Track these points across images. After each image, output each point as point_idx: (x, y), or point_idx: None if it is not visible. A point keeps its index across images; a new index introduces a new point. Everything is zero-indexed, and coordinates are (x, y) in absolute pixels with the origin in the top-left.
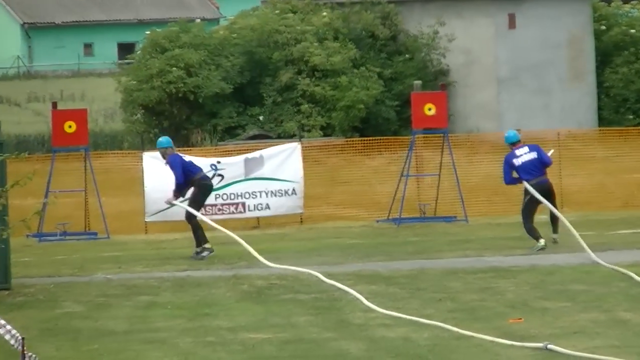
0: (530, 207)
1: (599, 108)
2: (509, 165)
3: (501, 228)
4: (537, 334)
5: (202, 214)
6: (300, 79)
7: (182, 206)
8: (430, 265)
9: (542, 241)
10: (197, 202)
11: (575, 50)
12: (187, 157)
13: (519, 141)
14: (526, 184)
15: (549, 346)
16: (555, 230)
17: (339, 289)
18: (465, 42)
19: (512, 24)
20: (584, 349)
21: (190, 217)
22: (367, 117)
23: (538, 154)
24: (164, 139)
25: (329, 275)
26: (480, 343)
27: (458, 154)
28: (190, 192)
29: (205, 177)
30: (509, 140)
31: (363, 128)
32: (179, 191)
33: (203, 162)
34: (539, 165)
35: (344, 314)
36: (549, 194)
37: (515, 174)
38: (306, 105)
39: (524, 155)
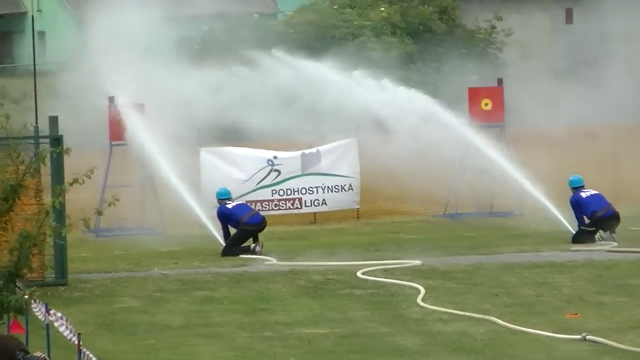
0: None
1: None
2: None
3: (557, 223)
4: (593, 328)
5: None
6: None
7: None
8: (488, 260)
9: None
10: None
11: (632, 43)
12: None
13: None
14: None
15: (588, 337)
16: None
17: (396, 284)
18: (522, 36)
19: (569, 19)
20: None
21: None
22: None
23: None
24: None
25: (385, 271)
26: (537, 338)
27: (514, 148)
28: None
29: (248, 221)
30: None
31: None
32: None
33: (260, 157)
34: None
35: (401, 309)
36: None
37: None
38: None
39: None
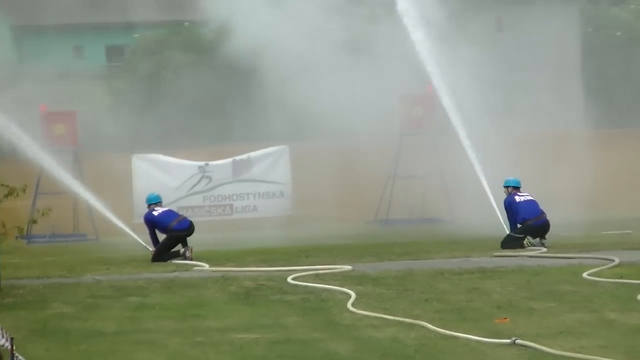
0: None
1: (587, 109)
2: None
3: (489, 228)
4: (523, 333)
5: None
6: None
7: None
8: (418, 266)
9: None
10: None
11: (562, 51)
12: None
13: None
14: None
15: (517, 341)
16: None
17: (326, 289)
18: None
19: (499, 26)
20: (571, 348)
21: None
22: None
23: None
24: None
25: (316, 277)
26: (466, 343)
27: (444, 154)
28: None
29: (176, 227)
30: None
31: None
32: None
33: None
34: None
35: (332, 314)
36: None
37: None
38: None
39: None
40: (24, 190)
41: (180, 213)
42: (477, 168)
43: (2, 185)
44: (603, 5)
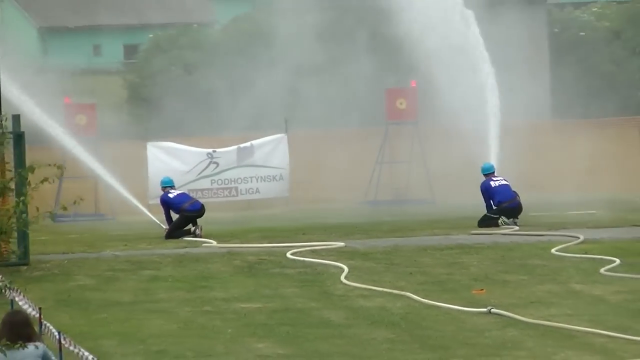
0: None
1: (554, 102)
2: None
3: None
4: (498, 303)
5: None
6: None
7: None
8: (403, 243)
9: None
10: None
11: (532, 50)
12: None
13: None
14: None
15: (493, 310)
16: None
17: (321, 264)
18: None
19: None
20: (541, 316)
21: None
22: None
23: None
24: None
25: (312, 252)
26: (447, 311)
27: (426, 143)
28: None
29: (189, 209)
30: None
31: None
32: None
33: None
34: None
35: (326, 286)
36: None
37: None
38: None
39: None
40: (61, 173)
41: (191, 195)
42: (455, 154)
43: (55, 166)
44: (568, 8)
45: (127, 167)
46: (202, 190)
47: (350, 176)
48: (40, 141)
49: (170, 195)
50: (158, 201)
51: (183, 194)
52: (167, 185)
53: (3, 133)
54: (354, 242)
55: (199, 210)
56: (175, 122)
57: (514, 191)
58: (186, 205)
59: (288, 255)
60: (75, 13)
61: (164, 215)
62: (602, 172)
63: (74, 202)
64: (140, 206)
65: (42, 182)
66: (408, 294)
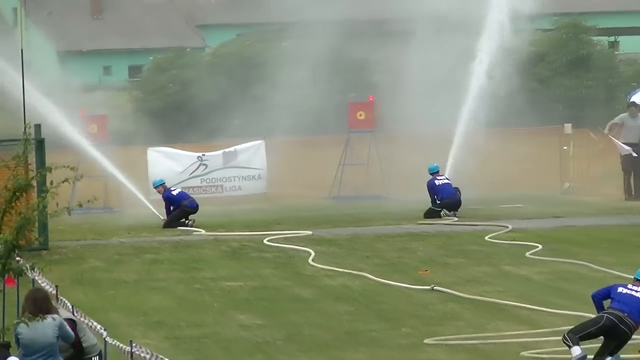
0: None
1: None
2: None
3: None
4: (440, 281)
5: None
6: None
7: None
8: (363, 232)
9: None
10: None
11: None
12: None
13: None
14: None
15: (435, 288)
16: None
17: (293, 249)
18: None
19: None
20: (476, 292)
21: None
22: None
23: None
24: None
25: (285, 239)
26: (398, 289)
27: (385, 148)
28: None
29: (188, 205)
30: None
31: None
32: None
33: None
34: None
35: (297, 267)
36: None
37: None
38: None
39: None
40: (81, 176)
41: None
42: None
43: (69, 167)
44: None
45: (131, 168)
46: (193, 187)
47: (318, 176)
48: (58, 146)
49: (174, 193)
50: (159, 196)
51: (183, 192)
52: (159, 184)
53: (27, 140)
54: (320, 231)
55: (195, 207)
56: (172, 130)
57: (455, 188)
58: (185, 203)
59: (265, 241)
60: (88, 39)
61: (164, 209)
62: (528, 172)
63: (88, 201)
64: (145, 201)
65: (62, 182)
66: (365, 274)
